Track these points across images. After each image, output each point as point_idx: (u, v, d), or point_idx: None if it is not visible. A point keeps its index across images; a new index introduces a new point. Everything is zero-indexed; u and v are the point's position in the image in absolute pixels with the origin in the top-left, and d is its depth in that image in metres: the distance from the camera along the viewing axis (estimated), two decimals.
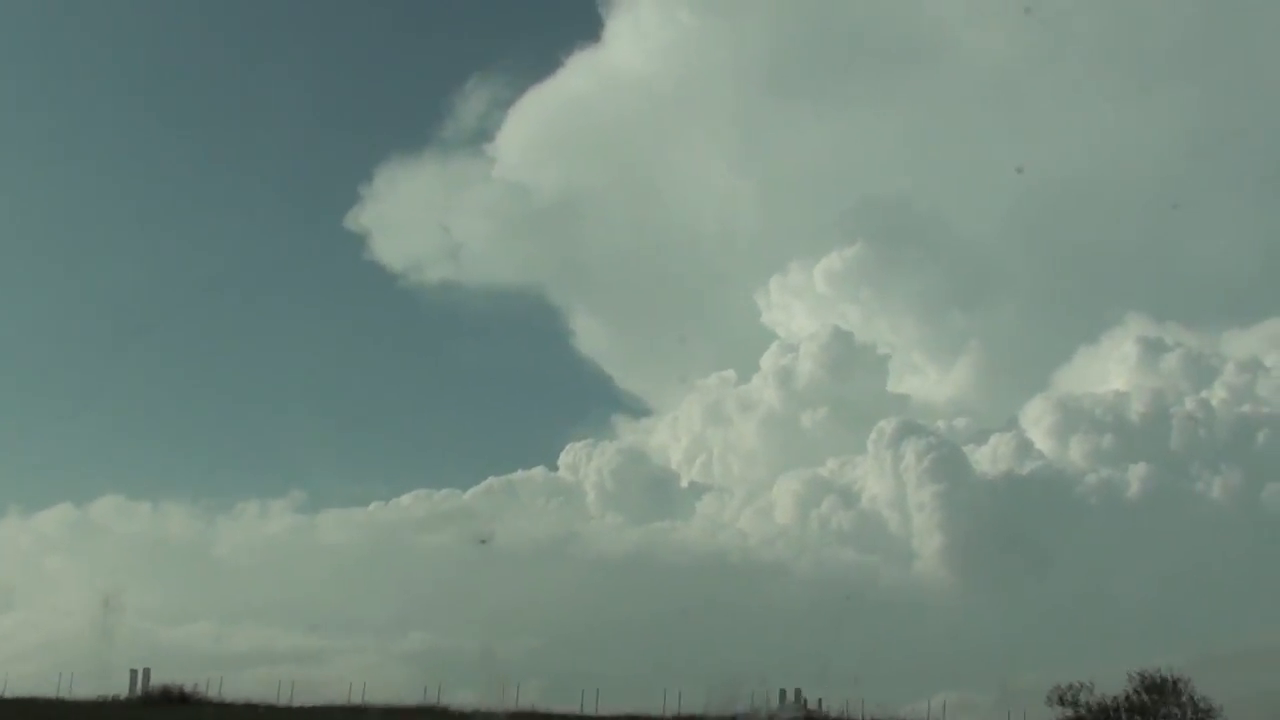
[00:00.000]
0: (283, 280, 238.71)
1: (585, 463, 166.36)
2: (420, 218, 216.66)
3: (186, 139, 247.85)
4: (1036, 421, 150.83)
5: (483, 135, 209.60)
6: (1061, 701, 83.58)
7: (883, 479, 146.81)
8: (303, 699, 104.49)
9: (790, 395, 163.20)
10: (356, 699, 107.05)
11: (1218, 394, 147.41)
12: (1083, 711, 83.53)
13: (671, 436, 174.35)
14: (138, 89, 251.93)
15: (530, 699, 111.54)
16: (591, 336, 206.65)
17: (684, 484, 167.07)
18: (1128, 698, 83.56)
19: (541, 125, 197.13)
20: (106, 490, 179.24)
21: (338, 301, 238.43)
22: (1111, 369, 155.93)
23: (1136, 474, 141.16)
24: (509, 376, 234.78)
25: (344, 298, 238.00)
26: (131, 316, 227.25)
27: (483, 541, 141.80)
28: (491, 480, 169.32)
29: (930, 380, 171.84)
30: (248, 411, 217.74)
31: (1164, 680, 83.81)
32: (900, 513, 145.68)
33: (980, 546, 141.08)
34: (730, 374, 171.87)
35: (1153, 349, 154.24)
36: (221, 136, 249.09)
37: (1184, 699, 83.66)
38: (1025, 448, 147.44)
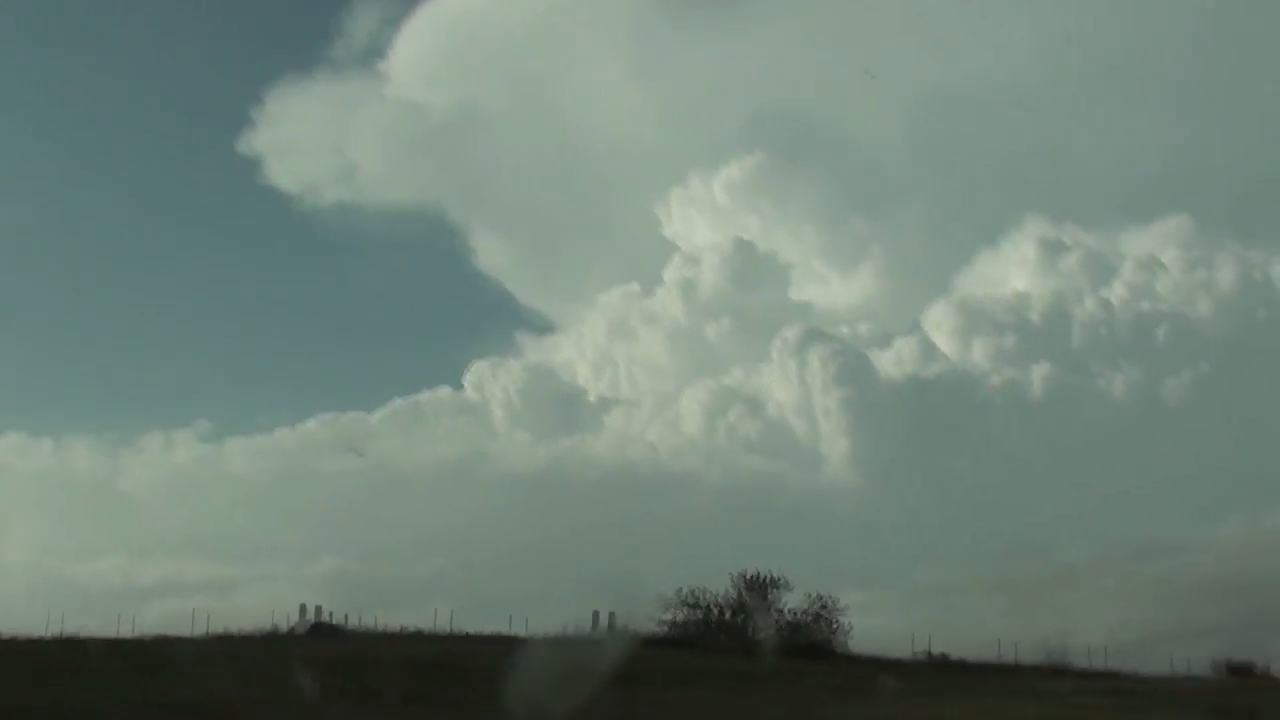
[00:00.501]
0: (177, 207, 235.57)
1: (491, 381, 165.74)
2: (314, 139, 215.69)
3: (72, 63, 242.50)
4: (939, 325, 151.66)
5: (375, 53, 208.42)
6: (686, 604, 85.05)
7: (788, 386, 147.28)
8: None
9: (694, 306, 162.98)
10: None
11: (1117, 292, 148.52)
12: (703, 612, 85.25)
13: (577, 352, 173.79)
14: (18, 8, 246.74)
15: (443, 620, 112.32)
16: (492, 254, 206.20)
17: (591, 399, 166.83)
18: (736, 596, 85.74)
19: (434, 41, 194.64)
20: (7, 428, 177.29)
21: (234, 227, 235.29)
22: (1012, 271, 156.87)
23: (1039, 373, 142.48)
24: (410, 297, 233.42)
25: (240, 223, 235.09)
26: (25, 250, 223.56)
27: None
28: (397, 402, 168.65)
29: (832, 288, 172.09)
30: (148, 343, 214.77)
31: (763, 578, 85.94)
32: (807, 419, 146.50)
33: (887, 450, 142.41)
34: (634, 287, 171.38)
35: (1052, 250, 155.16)
36: (109, 62, 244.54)
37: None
38: (929, 351, 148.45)
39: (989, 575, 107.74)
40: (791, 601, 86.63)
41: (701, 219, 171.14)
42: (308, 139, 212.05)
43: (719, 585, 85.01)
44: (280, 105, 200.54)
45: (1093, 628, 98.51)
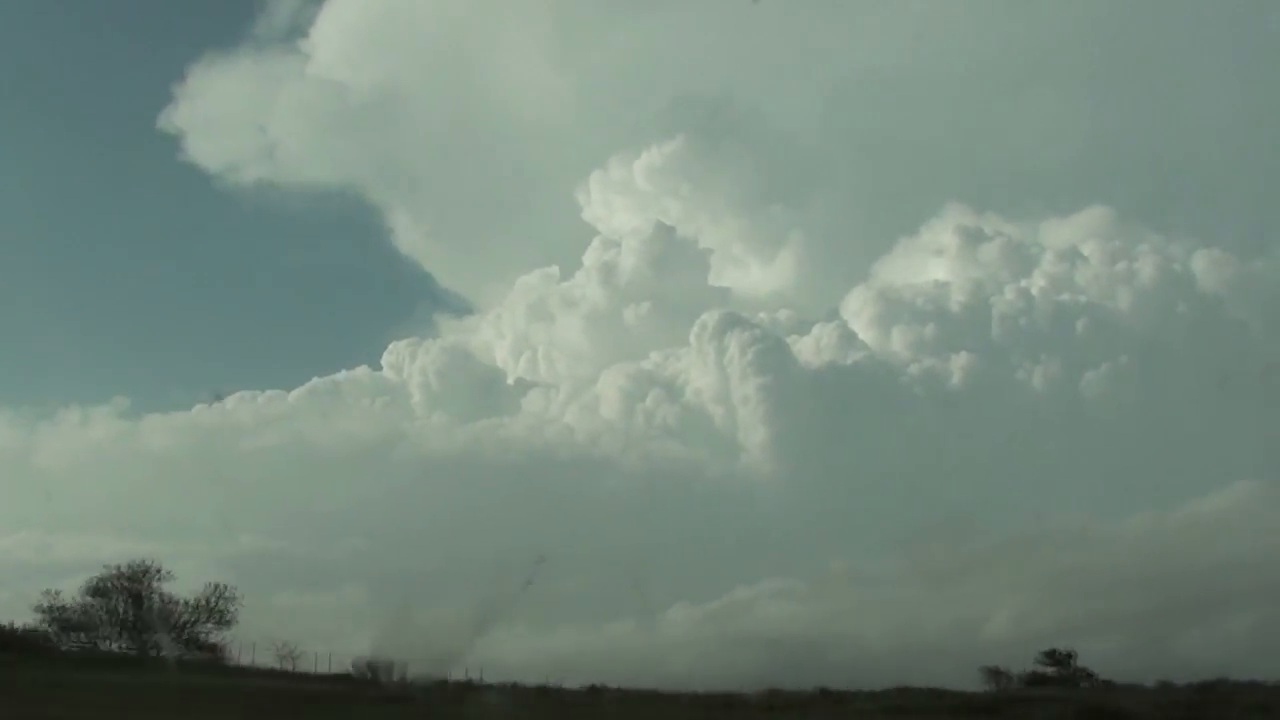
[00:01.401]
0: (97, 184, 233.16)
1: (409, 362, 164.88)
2: (235, 117, 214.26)
3: None
4: (858, 313, 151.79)
5: (297, 31, 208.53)
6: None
7: (706, 372, 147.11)
8: None
9: (613, 290, 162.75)
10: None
11: (1037, 283, 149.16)
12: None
13: (495, 334, 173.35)
14: None
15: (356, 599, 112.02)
16: (411, 235, 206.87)
17: (510, 381, 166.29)
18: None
19: (357, 20, 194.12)
20: None
21: (154, 203, 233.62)
22: (931, 260, 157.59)
23: (958, 363, 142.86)
24: (329, 276, 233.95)
25: (160, 199, 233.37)
26: None
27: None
28: (315, 381, 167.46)
29: (752, 274, 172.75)
30: (66, 317, 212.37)
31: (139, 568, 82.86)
32: (725, 405, 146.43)
33: (805, 437, 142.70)
34: (553, 270, 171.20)
35: (972, 239, 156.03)
36: (31, 35, 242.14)
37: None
38: (848, 339, 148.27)
39: (900, 564, 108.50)
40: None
41: (622, 203, 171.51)
42: (229, 116, 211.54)
43: None
44: (202, 82, 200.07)
45: (1002, 617, 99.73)
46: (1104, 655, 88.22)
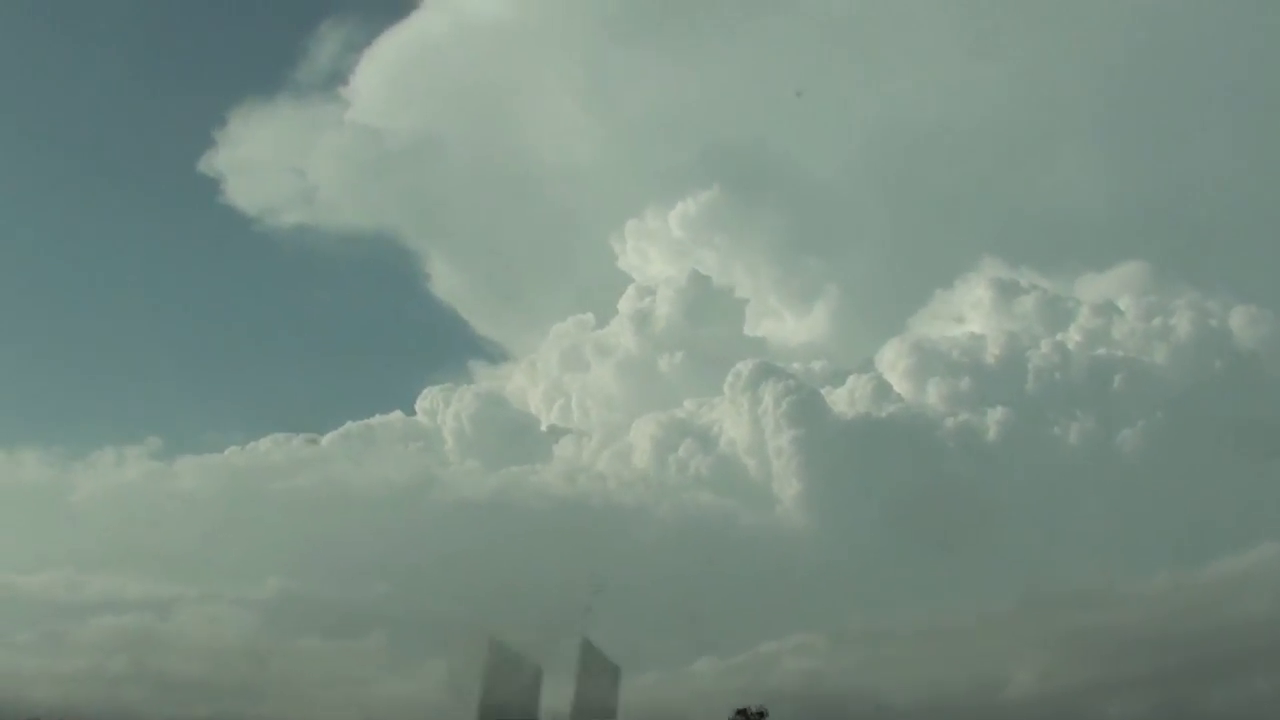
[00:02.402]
0: (137, 225, 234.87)
1: (443, 408, 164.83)
2: (275, 161, 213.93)
3: (37, 80, 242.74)
4: (893, 364, 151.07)
5: (337, 78, 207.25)
6: None
7: (740, 422, 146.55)
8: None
9: (647, 339, 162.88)
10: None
11: (1073, 337, 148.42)
12: None
13: (529, 381, 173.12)
14: None
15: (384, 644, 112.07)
16: (447, 281, 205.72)
17: (543, 428, 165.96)
18: None
19: (395, 68, 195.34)
20: None
21: (193, 245, 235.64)
22: (967, 312, 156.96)
23: (994, 417, 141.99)
24: (365, 321, 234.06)
25: (199, 242, 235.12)
26: None
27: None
28: (349, 425, 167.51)
29: (787, 324, 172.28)
30: (103, 358, 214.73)
31: None
32: (758, 456, 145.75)
33: (838, 490, 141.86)
34: (588, 318, 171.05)
35: (1007, 292, 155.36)
36: (75, 78, 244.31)
37: None
38: (883, 390, 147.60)
39: (926, 619, 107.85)
40: None
41: (657, 251, 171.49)
42: (268, 160, 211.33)
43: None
44: (242, 126, 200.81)
45: (1025, 676, 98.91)
46: (1128, 715, 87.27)
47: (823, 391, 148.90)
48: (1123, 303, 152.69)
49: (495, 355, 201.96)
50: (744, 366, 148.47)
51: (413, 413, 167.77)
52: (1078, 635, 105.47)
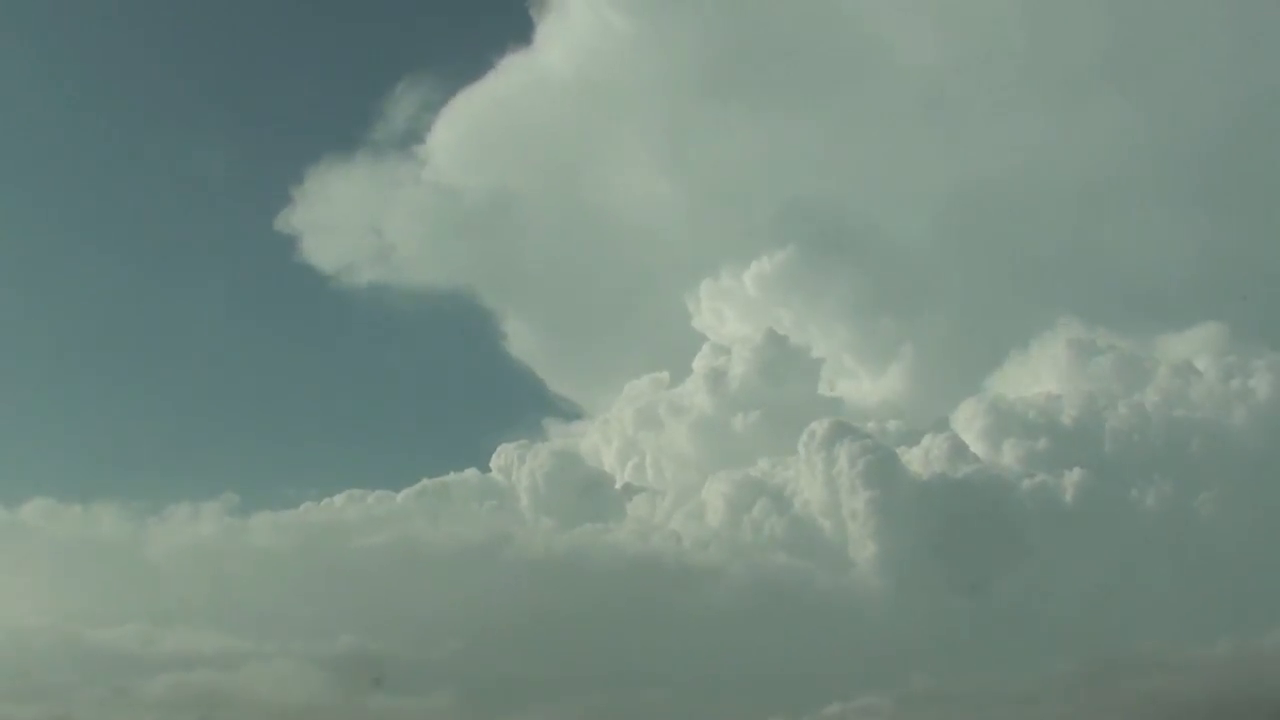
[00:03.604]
0: (214, 282, 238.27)
1: (518, 465, 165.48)
2: (351, 220, 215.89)
3: (116, 141, 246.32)
4: (968, 425, 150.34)
5: (413, 137, 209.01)
6: None
7: (815, 481, 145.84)
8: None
9: (722, 398, 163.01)
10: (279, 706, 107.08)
11: (1150, 398, 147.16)
12: None
13: (603, 439, 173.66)
14: (66, 85, 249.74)
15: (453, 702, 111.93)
16: (523, 339, 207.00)
17: (617, 486, 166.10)
18: None
19: (472, 127, 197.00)
20: (36, 493, 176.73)
21: (269, 303, 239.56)
22: (1043, 373, 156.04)
23: (1071, 480, 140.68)
24: (441, 378, 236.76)
25: (275, 300, 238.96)
26: (60, 320, 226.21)
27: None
28: (425, 482, 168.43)
29: (863, 385, 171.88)
30: (180, 414, 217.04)
31: None
32: (832, 516, 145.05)
33: (913, 551, 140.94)
34: (663, 376, 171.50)
35: (1084, 352, 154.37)
36: (152, 138, 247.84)
37: None
38: (959, 450, 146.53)
39: (989, 684, 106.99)
40: None
41: (732, 311, 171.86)
42: (345, 219, 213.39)
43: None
44: (319, 185, 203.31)
45: None
46: None
47: (898, 451, 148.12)
48: (1201, 363, 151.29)
49: (570, 413, 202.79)
50: (819, 426, 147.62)
51: (488, 470, 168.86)
52: (1141, 701, 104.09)
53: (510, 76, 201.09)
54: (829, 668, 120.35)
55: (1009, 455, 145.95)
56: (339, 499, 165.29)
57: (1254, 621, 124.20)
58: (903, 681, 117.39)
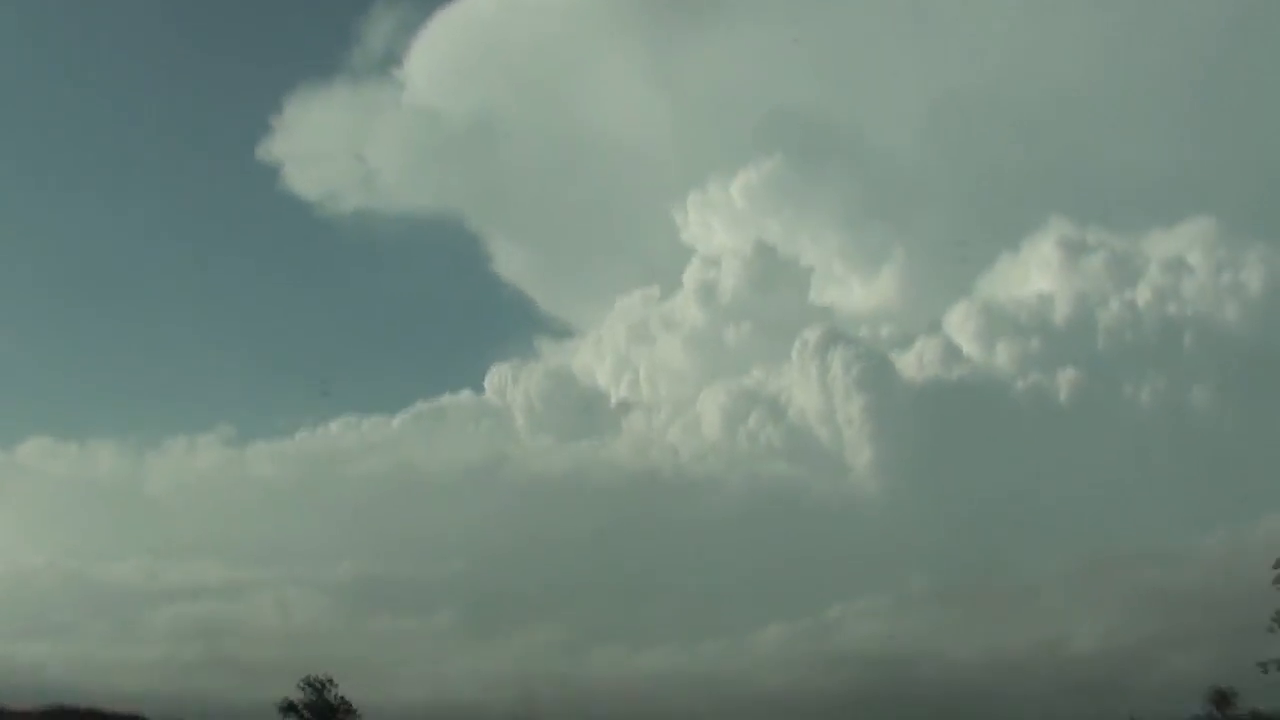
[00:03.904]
0: (198, 215, 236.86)
1: (512, 385, 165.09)
2: (333, 147, 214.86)
3: (94, 72, 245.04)
4: (960, 328, 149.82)
5: (391, 60, 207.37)
6: None
7: (809, 389, 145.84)
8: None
9: (713, 310, 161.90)
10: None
11: (1142, 295, 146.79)
12: None
13: (596, 356, 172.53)
14: (41, 18, 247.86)
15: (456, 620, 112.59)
16: (511, 260, 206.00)
17: (611, 403, 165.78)
18: None
19: (451, 48, 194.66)
20: (34, 432, 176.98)
21: (254, 234, 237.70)
22: (1034, 273, 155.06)
23: (1065, 379, 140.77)
24: (430, 303, 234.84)
25: (260, 230, 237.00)
26: (51, 259, 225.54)
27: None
28: (420, 405, 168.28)
29: (853, 291, 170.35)
30: (171, 348, 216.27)
31: None
32: (829, 424, 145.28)
33: (909, 455, 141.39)
34: (653, 291, 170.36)
35: (1075, 250, 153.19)
36: (131, 69, 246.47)
37: None
38: (952, 353, 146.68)
39: (987, 582, 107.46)
40: None
41: (719, 223, 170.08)
42: (326, 146, 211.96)
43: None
44: (299, 112, 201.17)
45: (1084, 634, 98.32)
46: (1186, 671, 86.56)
47: (891, 356, 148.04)
48: (1192, 258, 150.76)
49: (561, 331, 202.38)
50: (811, 334, 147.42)
51: (482, 391, 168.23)
52: (1137, 593, 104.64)
53: None
54: (829, 572, 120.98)
55: (1002, 356, 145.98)
56: (334, 426, 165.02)
57: (1246, 513, 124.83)
58: (902, 582, 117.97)
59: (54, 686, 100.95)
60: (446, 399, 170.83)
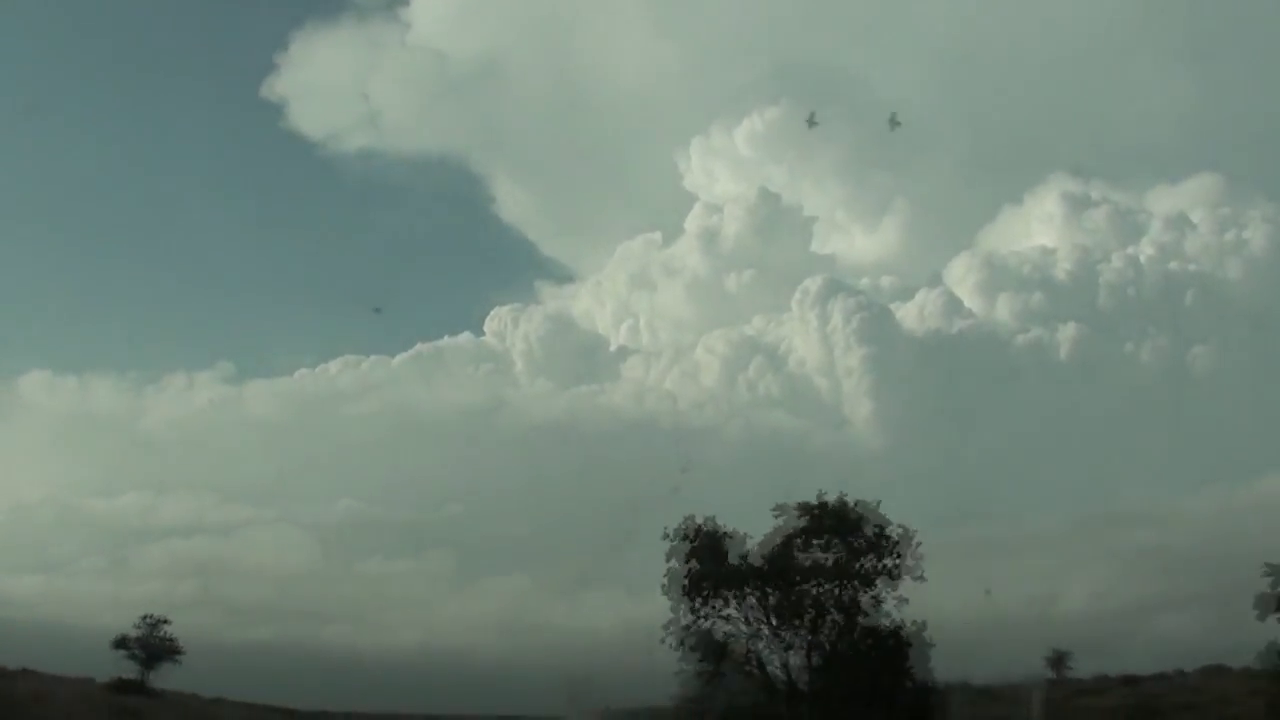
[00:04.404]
0: (202, 151, 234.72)
1: (512, 329, 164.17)
2: (338, 85, 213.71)
3: (100, 13, 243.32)
4: (962, 280, 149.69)
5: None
6: None
7: (809, 339, 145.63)
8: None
9: (715, 257, 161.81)
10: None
11: (1145, 251, 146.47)
12: None
13: (596, 301, 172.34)
14: None
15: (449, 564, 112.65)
16: (513, 202, 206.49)
17: (611, 348, 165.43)
18: None
19: None
20: (32, 366, 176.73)
21: (257, 171, 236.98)
22: (1037, 226, 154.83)
23: (1066, 334, 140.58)
24: (432, 244, 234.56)
25: (264, 167, 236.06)
26: (54, 193, 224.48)
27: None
28: (420, 347, 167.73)
29: (856, 242, 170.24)
30: (173, 284, 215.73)
31: None
32: (828, 375, 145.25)
33: (909, 408, 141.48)
34: (655, 237, 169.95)
35: (1078, 205, 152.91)
36: (133, 10, 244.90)
37: None
38: (953, 306, 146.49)
39: (978, 537, 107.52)
40: None
41: (723, 169, 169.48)
42: (331, 85, 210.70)
43: None
44: (304, 50, 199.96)
45: (1076, 592, 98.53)
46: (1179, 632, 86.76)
47: (892, 307, 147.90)
48: (1195, 215, 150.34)
49: (562, 275, 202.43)
50: (812, 283, 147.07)
51: (482, 333, 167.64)
52: (1131, 553, 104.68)
53: None
54: None
55: (1003, 310, 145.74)
56: (334, 365, 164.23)
57: (1242, 473, 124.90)
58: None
59: (45, 622, 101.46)
60: (446, 341, 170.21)
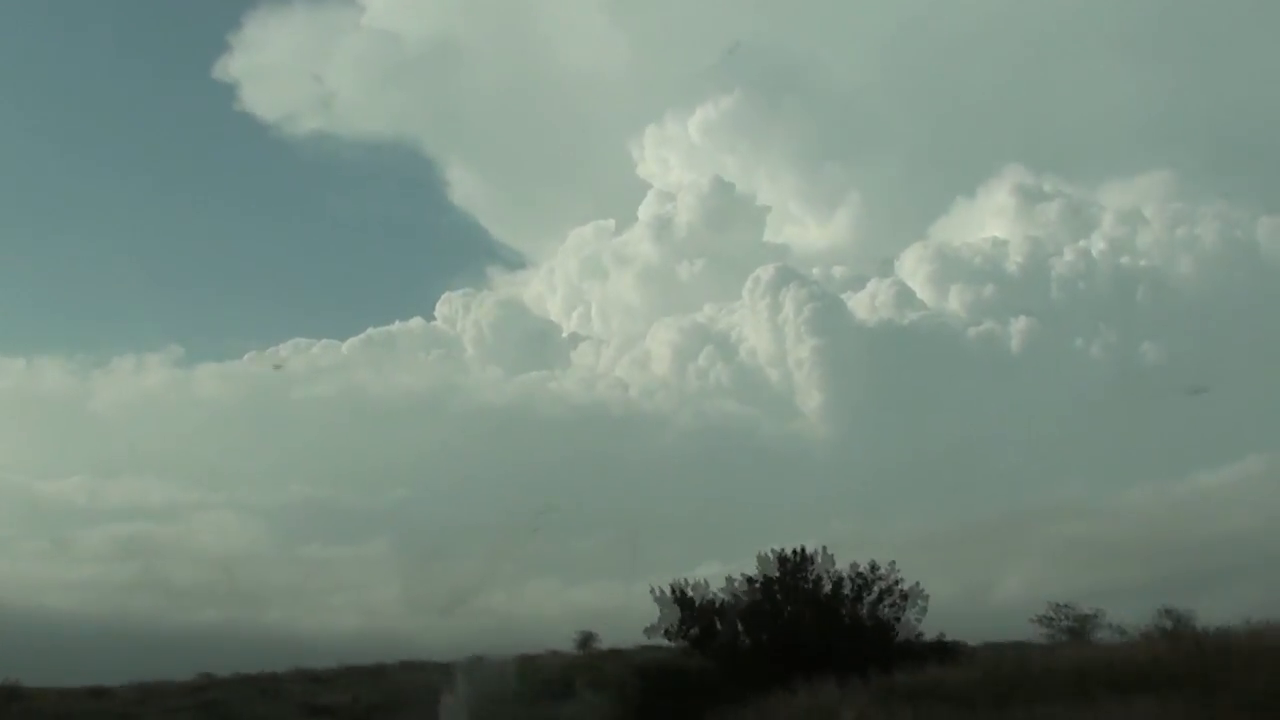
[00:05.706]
0: (153, 132, 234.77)
1: (463, 314, 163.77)
2: (291, 67, 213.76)
3: None
4: (914, 271, 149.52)
5: None
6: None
7: (760, 328, 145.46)
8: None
9: (667, 246, 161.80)
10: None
11: (1097, 245, 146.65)
12: None
13: (548, 287, 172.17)
14: None
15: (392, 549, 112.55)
16: (466, 187, 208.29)
17: (563, 335, 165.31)
18: None
19: None
20: None
21: (209, 153, 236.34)
22: (989, 218, 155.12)
23: (1017, 328, 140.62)
24: (384, 228, 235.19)
25: (215, 149, 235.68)
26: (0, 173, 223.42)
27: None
28: (370, 331, 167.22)
29: (809, 231, 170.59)
30: (122, 266, 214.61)
31: None
32: (779, 366, 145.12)
33: (859, 399, 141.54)
34: (608, 224, 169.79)
35: (1031, 198, 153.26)
36: None
37: None
38: (905, 297, 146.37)
39: (914, 529, 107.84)
40: None
41: (676, 158, 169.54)
42: (285, 66, 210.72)
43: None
44: (258, 31, 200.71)
45: (1010, 583, 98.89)
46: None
47: (844, 297, 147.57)
48: (1148, 210, 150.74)
49: (514, 261, 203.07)
50: (764, 272, 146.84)
51: (432, 318, 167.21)
52: (1062, 544, 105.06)
53: None
54: (768, 514, 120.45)
55: (955, 301, 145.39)
56: (284, 348, 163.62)
57: (1178, 468, 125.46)
58: (836, 527, 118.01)
59: None
60: (397, 326, 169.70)
